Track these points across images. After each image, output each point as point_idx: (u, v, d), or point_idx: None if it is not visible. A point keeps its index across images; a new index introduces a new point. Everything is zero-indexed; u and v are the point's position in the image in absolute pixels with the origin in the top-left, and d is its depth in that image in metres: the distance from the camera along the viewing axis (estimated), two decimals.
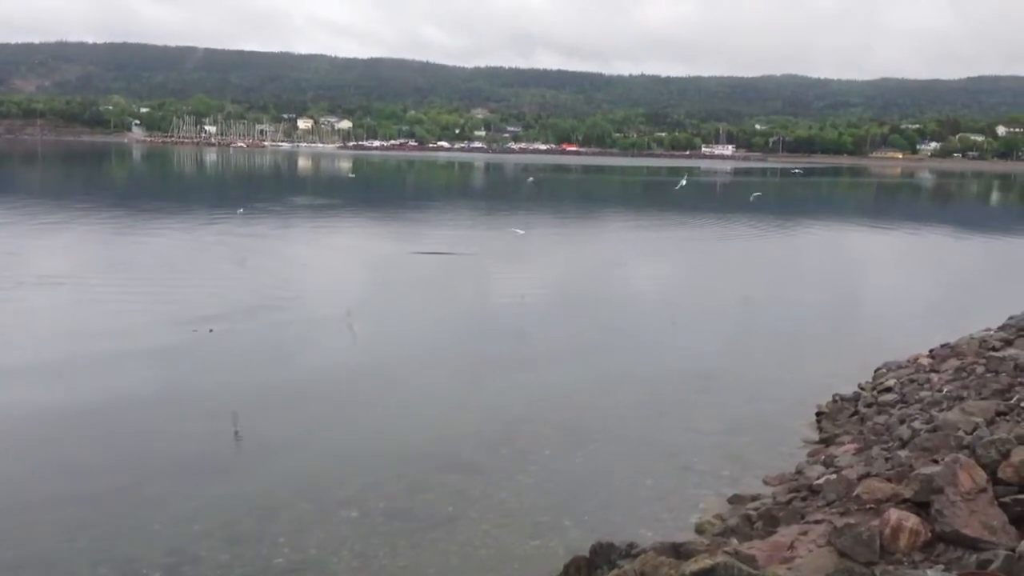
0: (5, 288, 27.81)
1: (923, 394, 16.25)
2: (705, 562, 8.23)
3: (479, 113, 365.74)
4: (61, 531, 11.74)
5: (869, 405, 16.81)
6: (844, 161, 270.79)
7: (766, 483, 13.66)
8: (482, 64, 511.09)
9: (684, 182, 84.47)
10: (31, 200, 64.60)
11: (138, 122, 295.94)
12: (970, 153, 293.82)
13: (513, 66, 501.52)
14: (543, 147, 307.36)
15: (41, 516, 12.19)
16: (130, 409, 17.03)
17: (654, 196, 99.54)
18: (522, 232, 48.44)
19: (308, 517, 12.40)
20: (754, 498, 12.76)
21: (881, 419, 15.52)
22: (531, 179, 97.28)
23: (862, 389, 18.30)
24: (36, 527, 11.85)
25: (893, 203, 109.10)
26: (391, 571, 10.98)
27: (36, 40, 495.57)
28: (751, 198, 79.51)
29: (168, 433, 15.81)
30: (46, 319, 24.49)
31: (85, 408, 16.88)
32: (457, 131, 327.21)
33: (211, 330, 22.72)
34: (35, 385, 18.21)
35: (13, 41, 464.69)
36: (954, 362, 18.35)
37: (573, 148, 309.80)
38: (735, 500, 12.91)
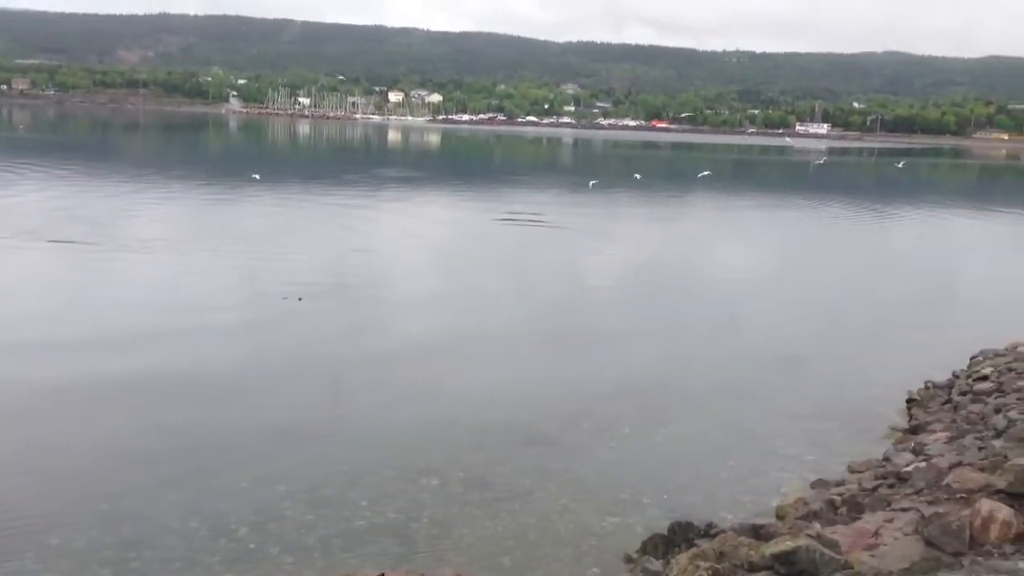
0: (108, 251, 28.92)
1: (1021, 383, 15.65)
2: (786, 544, 8.11)
3: (569, 88, 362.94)
4: (153, 486, 12.22)
5: (964, 393, 16.26)
6: (946, 141, 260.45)
7: (851, 469, 13.33)
8: (573, 38, 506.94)
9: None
10: (134, 168, 66.96)
11: (235, 93, 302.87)
12: None
13: (604, 40, 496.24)
14: (632, 123, 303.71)
15: (136, 473, 12.69)
16: (220, 373, 17.60)
17: (742, 175, 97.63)
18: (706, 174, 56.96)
19: (389, 484, 12.63)
20: (838, 484, 12.47)
21: (976, 408, 15.00)
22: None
23: (957, 377, 17.71)
24: (130, 483, 12.34)
25: (995, 186, 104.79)
26: (469, 540, 11.12)
27: (140, 11, 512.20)
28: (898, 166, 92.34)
29: (256, 398, 16.29)
30: (149, 285, 25.37)
31: (176, 371, 17.48)
32: (546, 106, 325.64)
33: (300, 299, 23.24)
34: (132, 349, 18.90)
35: (118, 12, 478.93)
36: None
37: (663, 125, 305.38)
38: (818, 485, 12.64)
